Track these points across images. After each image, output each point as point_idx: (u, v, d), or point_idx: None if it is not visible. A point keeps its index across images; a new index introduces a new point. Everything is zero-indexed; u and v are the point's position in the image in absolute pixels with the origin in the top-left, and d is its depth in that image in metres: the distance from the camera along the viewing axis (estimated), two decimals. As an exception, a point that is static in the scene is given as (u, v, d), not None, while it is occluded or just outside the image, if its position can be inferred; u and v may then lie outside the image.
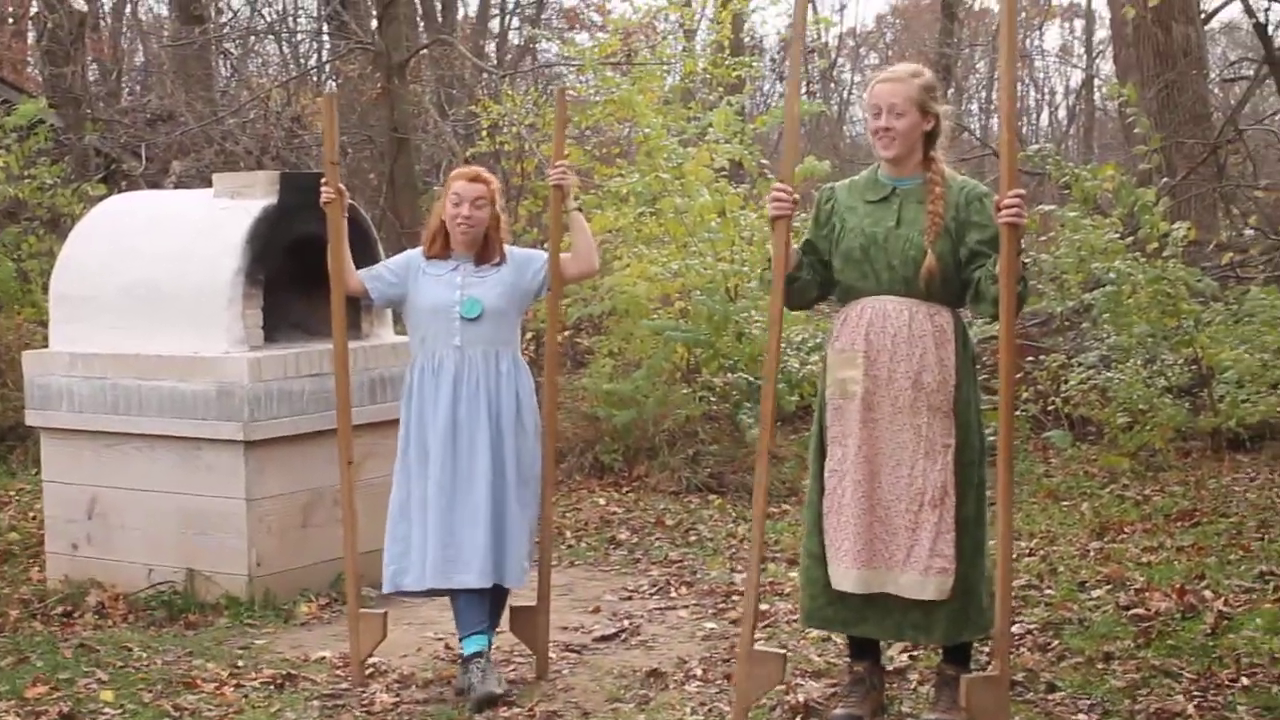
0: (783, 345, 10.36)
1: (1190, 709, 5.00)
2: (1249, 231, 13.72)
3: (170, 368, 6.89)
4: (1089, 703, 5.15)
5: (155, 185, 13.86)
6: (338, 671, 5.89)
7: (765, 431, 4.90)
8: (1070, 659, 5.67)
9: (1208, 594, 6.45)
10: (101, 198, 9.59)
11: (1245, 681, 5.26)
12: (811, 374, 9.83)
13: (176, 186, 13.50)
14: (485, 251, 5.72)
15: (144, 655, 6.10)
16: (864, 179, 5.04)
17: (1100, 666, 5.55)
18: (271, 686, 5.67)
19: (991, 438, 5.00)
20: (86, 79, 16.21)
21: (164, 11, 21.73)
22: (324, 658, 6.07)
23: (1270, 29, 15.42)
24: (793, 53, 5.12)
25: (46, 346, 7.67)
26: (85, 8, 15.79)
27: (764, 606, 6.62)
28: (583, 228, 5.84)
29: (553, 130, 6.02)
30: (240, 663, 5.98)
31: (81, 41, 15.65)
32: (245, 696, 5.55)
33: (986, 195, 4.88)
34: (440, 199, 5.79)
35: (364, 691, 5.62)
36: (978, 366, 4.69)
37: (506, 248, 5.80)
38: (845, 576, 4.84)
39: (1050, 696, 5.24)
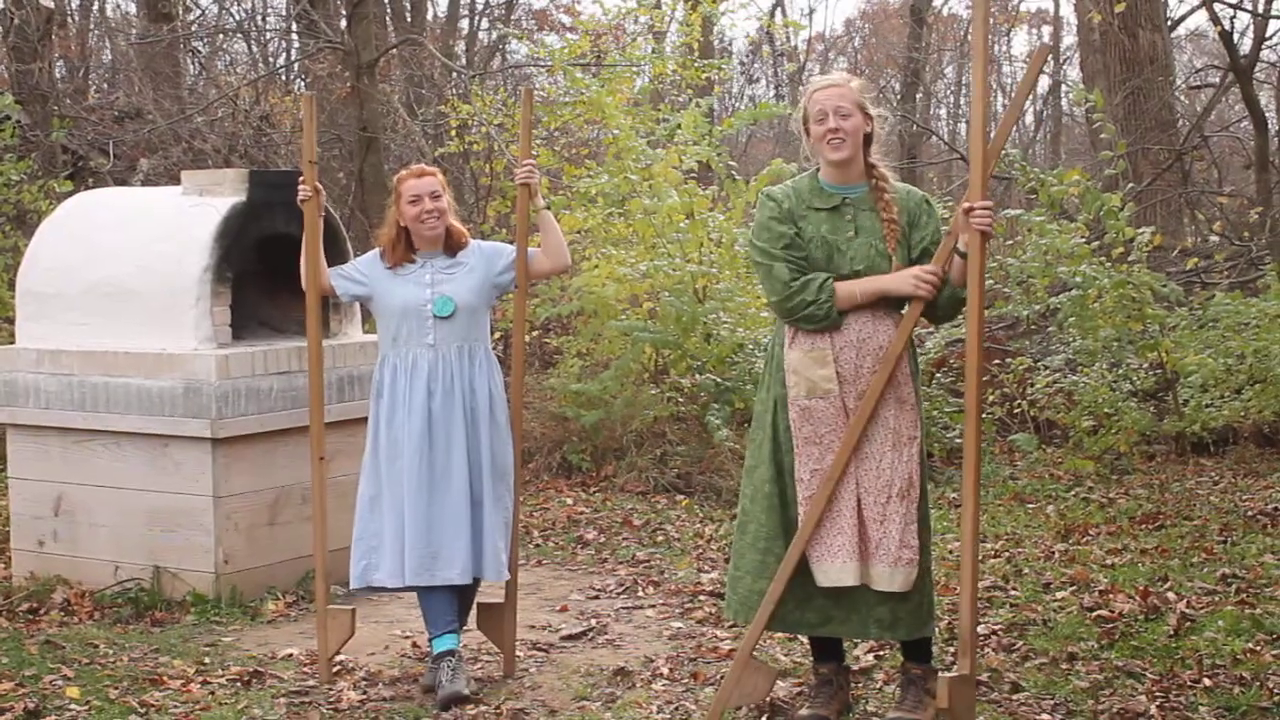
0: (750, 346, 10.39)
1: (1153, 709, 5.04)
2: (1214, 237, 13.84)
3: (138, 365, 6.87)
4: (1053, 703, 5.19)
5: (122, 182, 13.79)
6: (305, 669, 5.89)
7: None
8: (1034, 659, 5.71)
9: (1171, 596, 6.50)
10: (68, 194, 9.55)
11: (1207, 682, 5.31)
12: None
13: (144, 184, 13.43)
14: (450, 241, 5.72)
15: (110, 652, 6.09)
16: (806, 186, 4.99)
17: (1064, 667, 5.59)
18: (238, 683, 5.66)
19: (958, 440, 5.04)
20: (54, 76, 16.11)
21: (132, 9, 21.62)
22: (291, 655, 6.06)
23: (1235, 37, 15.55)
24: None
25: (13, 343, 7.63)
26: (52, 5, 15.71)
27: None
28: (552, 225, 5.84)
29: (520, 130, 6.01)
30: (207, 660, 5.98)
31: (48, 38, 15.54)
32: (212, 693, 5.54)
33: (929, 198, 5.08)
34: (391, 207, 5.75)
35: (331, 689, 5.61)
36: (944, 369, 4.75)
37: (472, 241, 5.80)
38: (844, 571, 4.81)
39: (1014, 696, 5.28)
